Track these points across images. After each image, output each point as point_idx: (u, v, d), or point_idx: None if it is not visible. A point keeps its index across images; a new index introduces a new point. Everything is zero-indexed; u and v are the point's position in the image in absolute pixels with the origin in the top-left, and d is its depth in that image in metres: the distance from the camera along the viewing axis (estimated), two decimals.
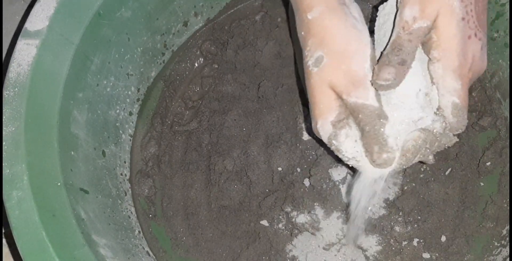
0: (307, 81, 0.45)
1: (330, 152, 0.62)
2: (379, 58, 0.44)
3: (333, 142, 0.44)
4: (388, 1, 0.46)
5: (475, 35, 0.43)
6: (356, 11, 0.46)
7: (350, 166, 0.46)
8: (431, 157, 0.44)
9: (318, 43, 0.43)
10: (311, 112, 0.45)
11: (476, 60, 0.43)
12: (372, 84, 0.43)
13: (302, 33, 0.45)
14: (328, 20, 0.43)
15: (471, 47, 0.43)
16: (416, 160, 0.44)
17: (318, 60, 0.43)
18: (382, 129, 0.42)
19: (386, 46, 0.44)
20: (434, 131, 0.43)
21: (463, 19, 0.42)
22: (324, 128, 0.44)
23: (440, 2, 0.41)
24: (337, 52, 0.43)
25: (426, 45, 0.43)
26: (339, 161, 0.62)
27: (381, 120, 0.42)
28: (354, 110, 0.43)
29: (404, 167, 0.44)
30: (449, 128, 0.43)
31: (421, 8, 0.41)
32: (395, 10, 0.45)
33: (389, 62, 0.42)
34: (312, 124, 0.46)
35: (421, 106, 0.44)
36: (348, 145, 0.44)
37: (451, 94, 0.42)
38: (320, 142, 0.63)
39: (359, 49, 0.43)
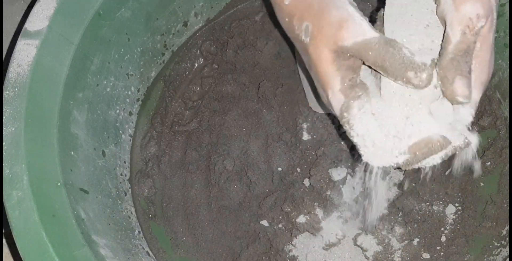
0: (307, 55, 0.43)
1: (330, 152, 0.62)
2: (440, 61, 0.39)
3: (345, 114, 0.40)
4: None
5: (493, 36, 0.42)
6: None
7: (356, 149, 0.41)
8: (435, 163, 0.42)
9: (300, 18, 0.42)
10: (320, 88, 0.43)
11: (492, 68, 0.42)
12: (444, 95, 0.39)
13: (286, 19, 0.44)
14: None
15: (493, 57, 0.42)
16: (423, 164, 0.41)
17: (306, 30, 0.42)
18: (401, 51, 0.38)
19: (442, 51, 0.39)
20: (455, 144, 0.40)
21: (492, 29, 0.40)
22: (335, 99, 0.41)
23: (492, 4, 0.39)
24: (316, 13, 0.41)
25: None
26: (339, 160, 0.62)
27: (394, 46, 0.38)
28: (360, 52, 0.39)
29: (408, 166, 0.41)
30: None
31: (483, 6, 0.38)
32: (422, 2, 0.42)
33: (461, 71, 0.38)
34: (324, 99, 0.43)
35: (430, 38, 0.41)
36: (361, 119, 0.40)
37: (471, 106, 0.40)
38: (320, 141, 0.63)
39: (333, 1, 0.40)
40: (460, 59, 0.39)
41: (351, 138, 0.41)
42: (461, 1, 0.38)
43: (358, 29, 0.39)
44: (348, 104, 0.40)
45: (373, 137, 0.40)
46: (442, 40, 0.40)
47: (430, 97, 0.41)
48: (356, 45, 0.39)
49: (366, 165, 0.42)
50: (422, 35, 0.41)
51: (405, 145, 0.40)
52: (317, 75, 0.42)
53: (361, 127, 0.40)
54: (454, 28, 0.38)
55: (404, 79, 0.38)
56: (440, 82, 0.39)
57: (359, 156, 0.41)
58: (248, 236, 0.61)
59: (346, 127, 0.41)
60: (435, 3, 0.41)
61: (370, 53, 0.38)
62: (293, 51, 0.67)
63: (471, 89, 0.39)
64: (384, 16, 0.43)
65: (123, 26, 0.58)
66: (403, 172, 0.62)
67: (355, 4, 0.41)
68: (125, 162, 0.63)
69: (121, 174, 0.62)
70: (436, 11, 0.41)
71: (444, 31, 0.40)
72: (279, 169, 0.62)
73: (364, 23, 0.39)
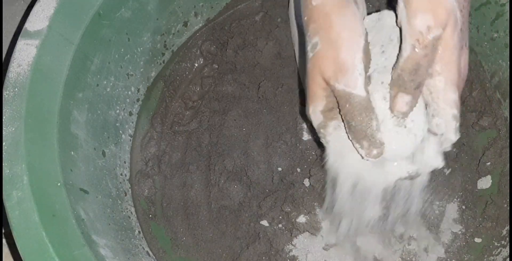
0: (306, 65, 0.45)
1: None
2: (392, 78, 0.42)
3: (321, 130, 0.45)
4: (382, 12, 0.44)
5: (465, 44, 0.43)
6: (360, 2, 0.45)
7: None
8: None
9: (316, 30, 0.43)
10: (306, 95, 0.45)
11: (466, 70, 0.43)
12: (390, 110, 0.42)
13: (305, 18, 0.44)
14: (329, 7, 0.42)
15: (463, 57, 0.42)
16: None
17: (314, 46, 0.43)
18: (370, 123, 0.41)
19: (395, 64, 0.41)
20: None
21: (461, 29, 0.41)
22: (315, 116, 0.44)
23: (449, 11, 0.39)
24: (330, 39, 0.42)
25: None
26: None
27: (369, 114, 0.41)
28: (341, 99, 0.41)
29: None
30: (445, 142, 0.43)
31: (434, 15, 0.39)
32: (390, 21, 0.43)
33: (405, 88, 0.40)
34: (306, 108, 0.45)
35: (384, 56, 0.43)
36: (335, 137, 0.44)
37: (451, 107, 0.41)
38: (320, 141, 0.63)
39: (352, 38, 0.42)
40: (407, 76, 0.40)
41: (328, 154, 0.46)
42: (412, 14, 0.39)
43: (352, 83, 0.41)
44: (325, 124, 0.44)
45: (345, 152, 0.44)
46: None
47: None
48: (342, 92, 0.41)
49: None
50: (377, 55, 0.43)
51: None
52: (307, 89, 0.44)
53: (334, 143, 0.44)
54: (406, 42, 0.40)
55: (357, 144, 0.42)
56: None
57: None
58: (248, 236, 0.61)
59: (322, 141, 0.46)
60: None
61: (347, 105, 0.41)
62: (293, 51, 0.67)
63: (413, 105, 0.41)
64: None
65: (123, 26, 0.58)
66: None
67: (368, 48, 0.42)
68: (125, 162, 0.63)
69: (121, 174, 0.62)
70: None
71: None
72: (279, 169, 0.62)
73: (361, 78, 0.41)
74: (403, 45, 0.40)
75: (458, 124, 0.42)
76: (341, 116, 0.43)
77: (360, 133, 0.42)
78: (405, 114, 0.42)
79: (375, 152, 0.42)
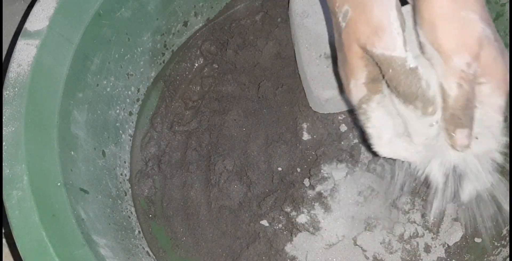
0: (339, 39, 0.43)
1: (330, 152, 0.62)
2: (443, 114, 0.41)
3: (363, 105, 0.42)
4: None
5: (499, 45, 0.42)
6: None
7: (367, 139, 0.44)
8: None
9: None
10: (342, 71, 0.43)
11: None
12: (447, 141, 0.42)
13: None
14: None
15: (505, 59, 0.42)
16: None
17: (345, 14, 0.41)
18: (418, 83, 0.39)
19: (444, 102, 0.40)
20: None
21: (496, 40, 0.41)
22: (356, 90, 0.42)
23: (480, 37, 0.39)
24: (360, 2, 0.40)
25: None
26: (339, 160, 0.62)
27: (415, 75, 0.39)
28: (383, 64, 0.40)
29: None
30: (487, 148, 0.43)
31: (468, 50, 0.38)
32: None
33: (462, 123, 0.40)
34: (344, 84, 0.43)
35: None
36: (379, 112, 0.42)
37: (498, 113, 0.41)
38: (320, 141, 0.63)
39: None
40: (460, 113, 0.40)
41: (365, 128, 0.43)
42: (447, 56, 0.39)
43: (390, 44, 0.39)
44: (369, 97, 0.42)
45: (386, 130, 0.42)
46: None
47: None
48: (382, 56, 0.39)
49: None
50: None
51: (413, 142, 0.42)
52: (345, 63, 0.42)
53: (377, 120, 0.42)
54: (450, 82, 0.39)
55: (411, 105, 0.40)
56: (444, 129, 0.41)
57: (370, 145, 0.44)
58: (248, 236, 0.61)
59: (362, 117, 0.43)
60: (419, 46, 0.41)
61: (391, 71, 0.39)
62: (293, 51, 0.67)
63: (471, 137, 0.41)
64: None
65: (123, 26, 0.58)
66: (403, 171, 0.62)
67: (400, 5, 0.41)
68: (125, 162, 0.63)
69: (121, 174, 0.62)
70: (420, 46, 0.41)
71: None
72: (279, 169, 0.62)
73: (399, 38, 0.39)
74: (447, 86, 0.39)
75: (501, 129, 0.42)
76: (386, 82, 0.41)
77: (411, 95, 0.40)
78: (467, 147, 0.41)
79: (430, 109, 0.40)
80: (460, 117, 0.40)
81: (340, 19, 0.42)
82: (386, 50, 0.39)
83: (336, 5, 0.42)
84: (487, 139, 0.42)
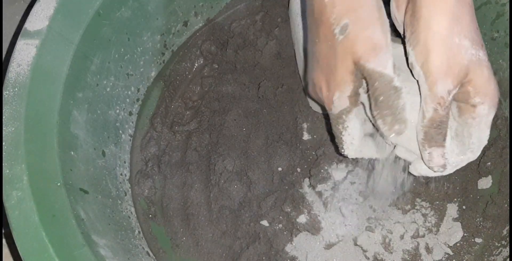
0: (332, 49, 0.44)
1: (330, 152, 0.62)
2: (417, 132, 0.44)
3: (343, 116, 0.45)
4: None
5: (490, 66, 0.44)
6: None
7: (341, 150, 0.48)
8: None
9: (344, 11, 0.43)
10: (323, 81, 0.46)
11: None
12: (424, 161, 0.45)
13: (326, 0, 0.44)
14: None
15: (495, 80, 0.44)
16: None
17: (343, 28, 0.43)
18: (397, 101, 0.42)
19: (419, 121, 0.44)
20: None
21: (488, 61, 0.42)
22: (340, 102, 0.45)
23: (469, 62, 0.41)
24: (363, 19, 0.42)
25: (460, 95, 0.43)
26: (339, 160, 0.62)
27: (397, 91, 0.42)
28: (371, 78, 0.42)
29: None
30: (467, 159, 0.45)
31: (453, 77, 0.41)
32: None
33: (435, 142, 0.43)
34: (324, 94, 0.46)
35: None
36: (355, 122, 0.46)
37: (488, 126, 0.44)
38: (320, 141, 0.63)
39: (382, 18, 0.43)
40: (433, 131, 0.43)
41: (339, 135, 0.47)
42: (432, 82, 0.41)
43: (384, 62, 0.42)
44: (350, 109, 0.45)
45: (358, 137, 0.47)
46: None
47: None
48: (372, 71, 0.42)
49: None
50: None
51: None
52: (333, 74, 0.44)
53: (351, 129, 0.46)
54: (428, 105, 0.42)
55: (381, 120, 0.43)
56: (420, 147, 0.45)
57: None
58: (248, 236, 0.61)
59: (338, 127, 0.46)
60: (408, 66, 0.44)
61: (377, 84, 0.42)
62: (293, 51, 0.67)
63: (447, 157, 0.44)
64: None
65: (123, 26, 0.58)
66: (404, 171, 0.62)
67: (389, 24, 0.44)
68: (125, 162, 0.63)
69: (121, 174, 0.62)
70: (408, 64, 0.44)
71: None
72: (279, 169, 0.62)
73: (391, 60, 0.42)
74: (425, 107, 0.42)
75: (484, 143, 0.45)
76: (368, 96, 0.43)
77: (386, 108, 0.42)
78: (444, 166, 0.44)
79: (397, 126, 0.43)
80: (432, 135, 0.43)
81: (336, 31, 0.43)
82: (378, 67, 0.42)
83: (333, 17, 0.44)
84: (468, 154, 0.45)
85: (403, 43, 0.44)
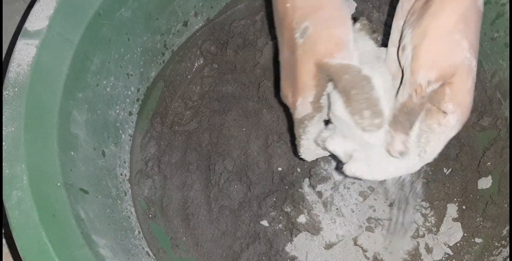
0: (291, 56, 0.44)
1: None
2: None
3: (306, 121, 0.46)
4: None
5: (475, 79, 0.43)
6: None
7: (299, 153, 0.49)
8: None
9: (304, 15, 0.43)
10: (288, 87, 0.46)
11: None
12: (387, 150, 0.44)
13: (288, 5, 0.44)
14: None
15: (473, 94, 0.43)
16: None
17: (304, 31, 0.43)
18: (371, 91, 0.41)
19: (394, 105, 0.43)
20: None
21: (475, 72, 0.42)
22: (303, 107, 0.45)
23: (458, 64, 0.40)
24: (323, 19, 0.42)
25: (435, 96, 0.42)
26: (339, 160, 0.62)
27: (368, 82, 0.41)
28: (338, 72, 0.41)
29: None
30: (422, 160, 0.44)
31: (438, 71, 0.40)
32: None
33: (402, 127, 0.42)
34: (289, 99, 0.46)
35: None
36: (315, 128, 0.46)
37: (445, 142, 0.43)
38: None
39: (343, 17, 0.43)
40: (402, 117, 0.42)
41: (298, 139, 0.48)
42: (416, 68, 0.40)
43: (348, 55, 0.42)
44: (312, 115, 0.45)
45: (316, 147, 0.48)
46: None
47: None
48: (339, 65, 0.41)
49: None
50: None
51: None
52: (295, 80, 0.44)
53: (311, 134, 0.47)
54: (405, 89, 0.41)
55: (358, 115, 0.42)
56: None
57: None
58: (248, 236, 0.61)
59: (299, 130, 0.47)
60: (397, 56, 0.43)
61: (346, 76, 0.41)
62: None
63: (407, 145, 0.43)
64: None
65: (123, 26, 0.57)
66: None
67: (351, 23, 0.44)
68: (125, 162, 0.63)
69: (121, 174, 0.62)
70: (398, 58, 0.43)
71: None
72: (279, 169, 0.62)
73: (355, 53, 0.42)
74: (402, 90, 0.41)
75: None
76: (339, 91, 0.42)
77: (361, 102, 0.41)
78: (402, 154, 0.43)
79: (376, 121, 0.42)
80: (400, 121, 0.42)
81: (297, 35, 0.43)
82: (343, 60, 0.41)
83: (294, 22, 0.44)
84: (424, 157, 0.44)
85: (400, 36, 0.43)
